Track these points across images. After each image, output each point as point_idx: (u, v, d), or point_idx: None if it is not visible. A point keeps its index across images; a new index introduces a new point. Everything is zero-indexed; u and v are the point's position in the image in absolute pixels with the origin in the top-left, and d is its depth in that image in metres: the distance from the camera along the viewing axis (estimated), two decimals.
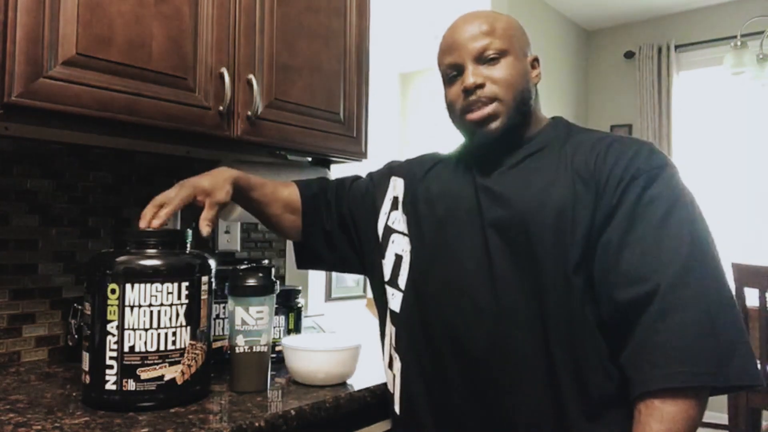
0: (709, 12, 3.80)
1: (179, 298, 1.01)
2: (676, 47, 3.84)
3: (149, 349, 0.99)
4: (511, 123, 1.02)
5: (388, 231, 1.14)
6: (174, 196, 1.03)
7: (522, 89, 1.03)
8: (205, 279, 1.06)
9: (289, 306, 1.39)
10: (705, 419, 0.89)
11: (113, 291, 0.98)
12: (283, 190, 1.21)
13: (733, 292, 0.92)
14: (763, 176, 3.63)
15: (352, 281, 4.78)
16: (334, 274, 4.60)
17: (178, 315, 1.01)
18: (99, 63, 1.09)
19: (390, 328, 1.11)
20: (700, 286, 0.87)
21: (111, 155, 1.47)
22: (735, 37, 3.28)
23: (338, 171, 1.55)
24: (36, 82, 1.01)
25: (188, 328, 1.02)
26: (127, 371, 0.98)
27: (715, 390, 0.88)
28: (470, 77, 1.01)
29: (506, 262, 0.97)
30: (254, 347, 1.12)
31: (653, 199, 0.91)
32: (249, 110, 1.32)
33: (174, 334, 1.01)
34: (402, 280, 1.09)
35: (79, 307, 1.32)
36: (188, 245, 1.08)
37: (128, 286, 0.98)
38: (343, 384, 1.19)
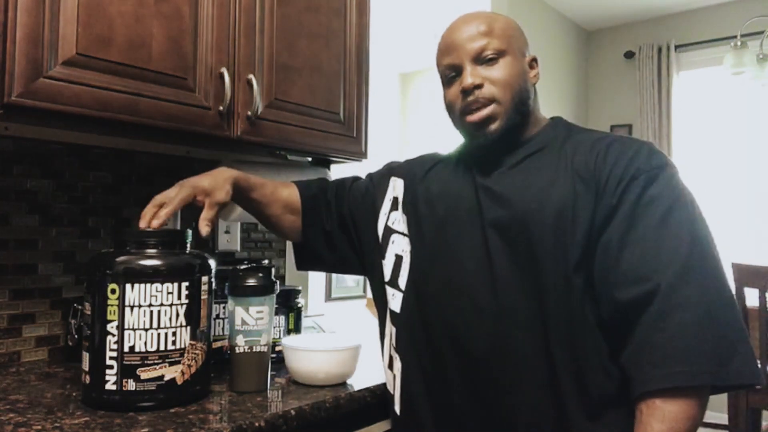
0: (709, 12, 3.80)
1: (179, 298, 1.01)
2: (676, 47, 3.84)
3: (149, 349, 0.99)
4: (510, 124, 1.03)
5: (388, 231, 1.14)
6: (174, 196, 1.03)
7: (520, 89, 1.03)
8: (205, 279, 1.06)
9: (289, 306, 1.39)
10: (705, 419, 0.89)
11: (113, 291, 0.98)
12: (282, 190, 1.21)
13: (733, 292, 0.92)
14: (763, 176, 3.63)
15: (352, 281, 4.78)
16: (334, 274, 4.60)
17: (178, 315, 1.01)
18: (99, 63, 1.09)
19: (390, 329, 1.11)
20: (700, 285, 0.87)
21: (111, 155, 1.47)
22: (735, 37, 3.28)
23: (338, 171, 1.55)
24: (36, 82, 1.01)
25: (188, 328, 1.02)
26: (127, 371, 0.98)
27: (715, 389, 0.88)
28: (468, 78, 1.01)
29: (506, 262, 0.97)
30: (254, 347, 1.12)
31: (653, 199, 0.91)
32: (249, 110, 1.32)
33: (174, 334, 1.01)
34: (402, 281, 1.09)
35: (79, 307, 1.32)
36: (188, 245, 1.08)
37: (128, 286, 0.98)
38: (343, 384, 1.19)
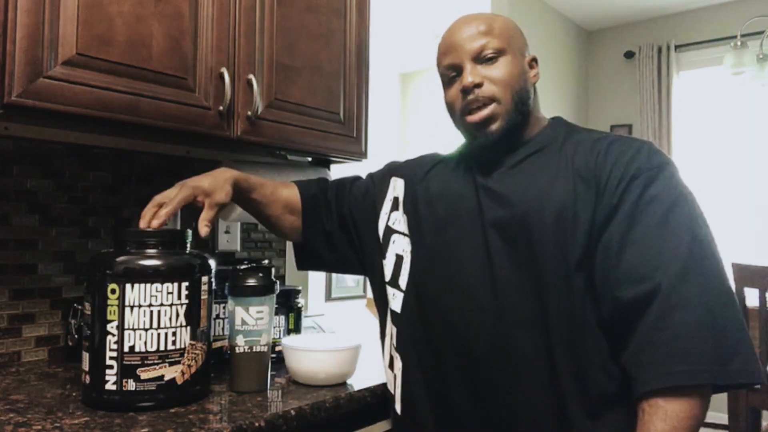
0: (709, 12, 3.80)
1: (179, 298, 1.01)
2: (676, 47, 3.84)
3: (149, 349, 0.99)
4: (511, 124, 1.03)
5: (389, 231, 1.14)
6: (174, 196, 1.03)
7: (520, 88, 1.03)
8: (205, 279, 1.06)
9: (289, 306, 1.39)
10: (705, 419, 0.89)
11: (113, 291, 0.98)
12: (282, 190, 1.21)
13: (734, 291, 0.92)
14: (763, 176, 3.63)
15: (352, 281, 4.78)
16: (334, 274, 4.60)
17: (178, 315, 1.01)
18: (99, 63, 1.09)
19: (391, 328, 1.11)
20: (701, 284, 0.87)
21: (111, 155, 1.47)
22: (735, 37, 3.28)
23: (338, 171, 1.55)
24: (36, 82, 1.01)
25: (188, 328, 1.02)
26: (127, 371, 0.98)
27: (717, 388, 0.88)
28: (468, 77, 1.01)
29: (507, 261, 0.97)
30: (254, 347, 1.12)
31: (654, 198, 0.91)
32: (249, 110, 1.32)
33: (174, 334, 1.01)
34: (403, 281, 1.09)
35: (79, 307, 1.32)
36: (188, 245, 1.08)
37: (128, 286, 0.98)
38: (343, 384, 1.19)
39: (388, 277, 1.12)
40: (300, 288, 1.45)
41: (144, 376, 0.98)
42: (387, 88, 5.00)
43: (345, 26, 1.56)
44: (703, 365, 0.84)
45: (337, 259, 1.23)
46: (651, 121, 3.85)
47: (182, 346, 1.02)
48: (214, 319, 1.28)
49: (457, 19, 1.08)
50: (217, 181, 1.07)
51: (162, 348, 0.99)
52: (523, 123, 1.05)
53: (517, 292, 0.96)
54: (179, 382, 1.01)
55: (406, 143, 5.07)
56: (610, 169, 0.95)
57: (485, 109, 1.02)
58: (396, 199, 1.16)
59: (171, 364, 1.00)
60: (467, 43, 1.03)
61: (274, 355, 1.26)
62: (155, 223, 1.01)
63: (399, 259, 1.11)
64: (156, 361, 0.99)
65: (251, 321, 1.11)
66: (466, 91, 1.02)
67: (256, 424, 0.96)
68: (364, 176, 1.27)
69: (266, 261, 1.64)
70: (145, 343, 0.98)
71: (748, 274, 2.47)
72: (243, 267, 1.18)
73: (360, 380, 1.21)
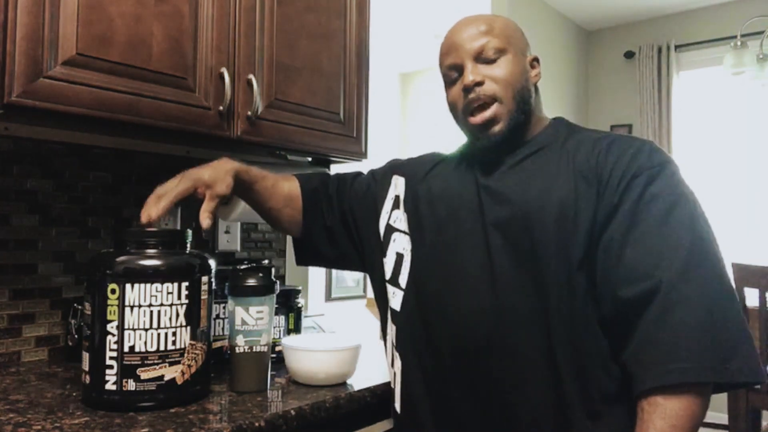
0: (709, 12, 3.80)
1: (179, 298, 1.01)
2: (676, 47, 3.84)
3: (149, 349, 0.99)
4: (513, 124, 1.03)
5: (390, 230, 1.14)
6: (174, 187, 1.02)
7: (521, 87, 1.03)
8: (205, 279, 1.06)
9: (289, 306, 1.39)
10: (705, 419, 0.89)
11: (113, 291, 0.98)
12: (284, 183, 1.20)
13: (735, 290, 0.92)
14: (763, 176, 3.63)
15: (352, 281, 4.78)
16: (334, 273, 4.60)
17: (178, 315, 1.01)
18: (99, 63, 1.09)
19: (391, 327, 1.11)
20: (701, 282, 0.87)
21: (111, 155, 1.47)
22: (735, 37, 3.28)
23: (338, 171, 1.54)
24: (36, 82, 1.01)
25: (188, 328, 1.02)
26: (127, 371, 0.98)
27: (718, 387, 0.88)
28: (469, 75, 1.02)
29: (507, 261, 0.97)
30: (254, 347, 1.12)
31: (655, 197, 0.92)
32: (249, 110, 1.32)
33: (174, 334, 1.01)
34: (403, 279, 1.09)
35: (79, 307, 1.32)
36: (188, 245, 1.08)
37: (128, 286, 0.98)
38: (343, 384, 1.19)
39: (388, 275, 1.12)
40: (300, 288, 1.45)
41: (144, 376, 0.98)
42: (387, 88, 5.00)
43: (345, 26, 1.56)
44: (703, 363, 0.84)
45: (338, 255, 1.23)
46: (651, 121, 3.85)
47: (182, 346, 1.02)
48: (214, 319, 1.28)
49: (458, 20, 1.09)
50: (218, 173, 1.06)
51: (162, 348, 0.99)
52: (525, 122, 1.05)
53: (518, 291, 0.96)
54: (179, 382, 1.01)
55: (406, 143, 5.07)
56: (611, 167, 0.95)
57: (488, 111, 1.02)
58: (397, 198, 1.16)
59: (171, 364, 1.00)
60: (468, 43, 1.03)
61: (274, 355, 1.26)
62: (154, 213, 0.99)
63: (399, 257, 1.11)
64: (156, 361, 0.99)
65: (251, 321, 1.11)
66: (467, 89, 1.02)
67: (256, 424, 0.96)
68: (365, 173, 1.27)
69: (266, 261, 1.64)
70: (145, 343, 0.98)
71: (748, 274, 2.47)
72: (243, 267, 1.18)
73: (360, 380, 1.21)
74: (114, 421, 0.93)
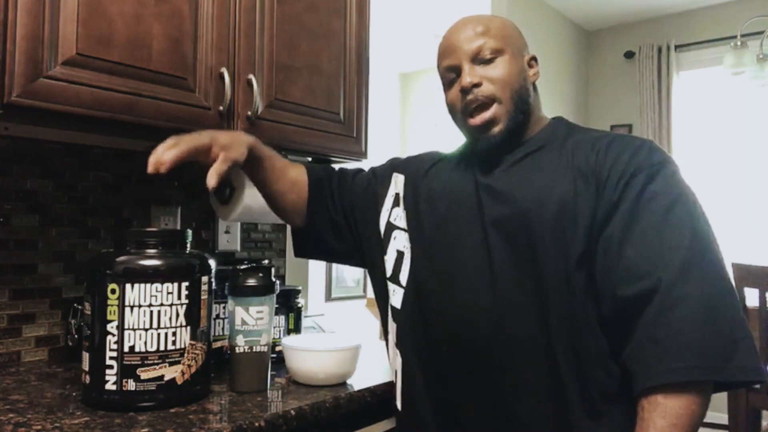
0: (709, 12, 3.80)
1: (179, 298, 1.01)
2: (676, 47, 3.84)
3: (149, 349, 0.99)
4: (513, 124, 1.03)
5: (390, 227, 1.14)
6: (190, 138, 0.99)
7: (519, 87, 1.03)
8: (205, 279, 1.06)
9: (289, 306, 1.39)
10: (705, 419, 0.89)
11: (113, 291, 0.98)
12: (291, 169, 1.19)
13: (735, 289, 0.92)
14: (763, 176, 3.63)
15: (352, 281, 4.78)
16: (334, 273, 4.60)
17: (178, 315, 1.01)
18: (99, 63, 1.09)
19: (392, 325, 1.12)
20: (701, 281, 0.87)
21: (111, 155, 1.47)
22: (735, 37, 3.28)
23: None
24: (36, 82, 1.01)
25: (188, 328, 1.02)
26: (127, 371, 0.98)
27: (718, 386, 0.88)
28: (467, 77, 1.02)
29: (507, 259, 0.97)
30: (254, 347, 1.12)
31: (654, 196, 0.92)
32: (249, 110, 1.32)
33: (174, 334, 1.01)
34: (403, 277, 1.09)
35: (79, 307, 1.32)
36: (188, 245, 1.08)
37: (128, 286, 0.98)
38: (343, 384, 1.19)
39: (389, 272, 1.12)
40: (300, 288, 1.45)
41: (144, 376, 0.98)
42: (387, 88, 5.00)
43: (345, 26, 1.56)
44: (703, 362, 0.84)
45: (338, 248, 1.21)
46: (651, 121, 3.85)
47: (182, 346, 1.02)
48: (214, 319, 1.28)
49: (455, 21, 1.09)
50: (235, 139, 1.05)
51: (162, 348, 0.99)
52: (524, 122, 1.05)
53: (517, 289, 0.96)
54: (179, 382, 1.01)
55: (406, 143, 5.07)
56: (611, 166, 0.95)
57: (487, 112, 1.02)
58: (397, 195, 1.16)
59: (171, 364, 1.00)
60: (465, 44, 1.03)
61: (274, 355, 1.26)
62: (167, 157, 0.95)
63: (400, 255, 1.11)
64: (156, 361, 0.99)
65: (251, 321, 1.11)
66: (465, 91, 1.03)
67: (256, 424, 0.96)
68: (366, 170, 1.27)
69: (266, 261, 1.64)
70: (145, 343, 0.98)
71: (748, 274, 2.47)
72: (243, 267, 1.18)
73: (360, 380, 1.21)
74: (114, 421, 0.93)
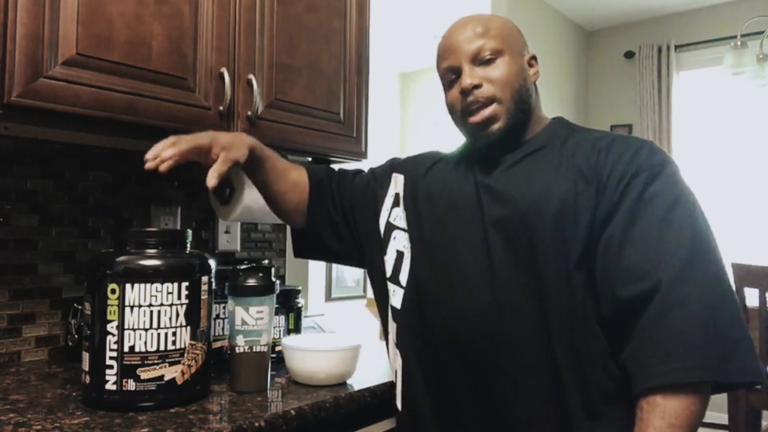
0: (709, 12, 3.80)
1: (179, 298, 1.01)
2: (676, 47, 3.84)
3: (149, 349, 0.99)
4: (512, 123, 1.03)
5: (390, 227, 1.14)
6: (191, 138, 1.00)
7: (519, 87, 1.03)
8: (205, 279, 1.06)
9: (289, 306, 1.39)
10: (705, 419, 0.89)
11: (113, 291, 0.98)
12: (292, 170, 1.19)
13: (734, 291, 0.92)
14: (763, 176, 3.63)
15: (352, 281, 4.78)
16: (334, 274, 4.60)
17: (178, 315, 1.01)
18: (99, 63, 1.09)
19: (392, 325, 1.12)
20: (701, 282, 0.87)
21: (111, 155, 1.47)
22: (735, 37, 3.28)
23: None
24: (36, 82, 1.01)
25: (188, 328, 1.02)
26: (127, 371, 0.98)
27: (717, 387, 0.88)
28: (467, 78, 1.02)
29: (507, 259, 0.97)
30: (254, 347, 1.12)
31: (655, 196, 0.92)
32: (249, 110, 1.32)
33: (174, 334, 1.01)
34: (403, 277, 1.09)
35: (79, 307, 1.32)
36: (188, 245, 1.08)
37: (128, 286, 0.98)
38: (343, 384, 1.19)
39: (388, 273, 1.12)
40: (300, 288, 1.45)
41: (144, 376, 0.98)
42: (387, 88, 5.00)
43: (345, 26, 1.56)
44: (702, 363, 0.84)
45: (338, 248, 1.21)
46: (651, 121, 3.85)
47: (182, 346, 1.02)
48: (214, 319, 1.28)
49: (454, 21, 1.09)
50: (235, 140, 1.05)
51: (162, 348, 0.99)
52: (525, 122, 1.05)
53: (517, 290, 0.96)
54: (179, 382, 1.01)
55: (406, 143, 5.08)
56: (611, 166, 0.95)
57: (487, 110, 1.02)
58: (397, 195, 1.16)
59: (171, 364, 1.00)
60: (464, 45, 1.03)
61: (274, 355, 1.26)
62: (167, 154, 0.95)
63: (400, 255, 1.11)
64: (156, 361, 0.99)
65: (251, 321, 1.11)
66: (465, 92, 1.02)
67: (256, 424, 0.96)
68: (365, 170, 1.27)
69: (266, 261, 1.64)
70: (145, 343, 0.98)
71: (748, 274, 2.47)
72: (243, 267, 1.18)
73: (360, 380, 1.21)
74: (114, 421, 0.93)
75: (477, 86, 1.02)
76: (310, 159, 1.66)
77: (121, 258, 1.00)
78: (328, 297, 4.60)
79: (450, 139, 1.19)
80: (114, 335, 0.98)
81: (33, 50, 1.01)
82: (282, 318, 1.37)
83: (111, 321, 0.98)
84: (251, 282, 1.13)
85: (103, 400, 0.98)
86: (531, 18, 3.70)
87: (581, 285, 0.93)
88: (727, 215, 3.63)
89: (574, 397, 0.92)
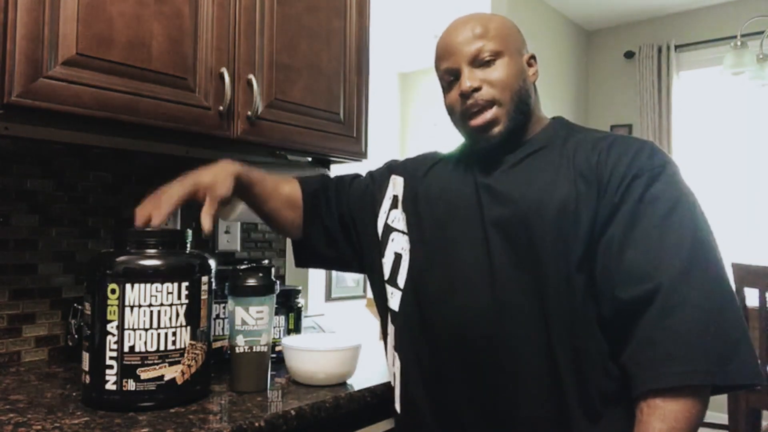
0: (709, 12, 3.80)
1: (179, 298, 1.01)
2: (676, 47, 3.84)
3: (149, 349, 0.99)
4: (513, 125, 1.03)
5: (388, 230, 1.14)
6: (174, 192, 1.02)
7: (519, 88, 1.03)
8: (205, 279, 1.06)
9: (289, 306, 1.39)
10: (705, 419, 0.89)
11: (113, 291, 0.98)
12: (284, 186, 1.20)
13: (734, 292, 0.92)
14: (763, 176, 3.63)
15: (352, 281, 4.78)
16: (334, 274, 4.60)
17: (178, 315, 1.01)
18: (99, 63, 1.09)
19: (390, 328, 1.11)
20: (701, 284, 0.87)
21: (111, 155, 1.47)
22: (735, 37, 3.28)
23: (338, 171, 1.54)
24: (36, 82, 1.01)
25: (188, 328, 1.02)
26: (127, 371, 0.98)
27: (717, 388, 0.88)
28: (466, 81, 1.01)
29: (507, 260, 0.97)
30: (254, 347, 1.12)
31: (655, 198, 0.92)
32: (249, 110, 1.32)
33: (174, 334, 1.01)
34: (401, 279, 1.09)
35: (79, 307, 1.32)
36: (188, 245, 1.08)
37: (128, 286, 0.98)
38: (343, 384, 1.19)
39: (386, 275, 1.12)
40: (300, 288, 1.45)
41: (144, 376, 0.98)
42: (387, 88, 5.00)
43: (345, 26, 1.56)
44: (702, 366, 0.84)
45: (337, 257, 1.22)
46: (651, 121, 3.85)
47: (182, 346, 1.02)
48: (214, 319, 1.28)
49: (452, 21, 1.08)
50: (219, 175, 1.06)
51: (162, 348, 0.99)
52: (525, 123, 1.05)
53: (517, 290, 0.96)
54: (179, 382, 1.01)
55: (406, 143, 5.07)
56: (612, 167, 0.95)
57: (487, 113, 1.02)
58: (395, 198, 1.16)
59: (171, 364, 1.00)
60: (463, 46, 1.03)
61: (274, 355, 1.26)
62: (155, 221, 0.99)
63: (398, 257, 1.11)
64: (156, 361, 0.99)
65: (251, 321, 1.11)
66: (464, 95, 1.02)
67: (256, 424, 0.96)
68: (363, 174, 1.27)
69: (266, 261, 1.64)
70: (145, 343, 0.98)
71: (748, 274, 2.47)
72: (243, 267, 1.18)
73: (360, 380, 1.21)
74: (114, 421, 0.93)
75: (477, 89, 1.01)
76: (309, 159, 1.66)
77: (121, 258, 1.00)
78: (328, 297, 4.60)
79: (450, 139, 1.19)
80: (114, 335, 0.98)
81: (33, 50, 1.00)
82: (282, 318, 1.37)
83: (111, 321, 0.98)
84: (251, 282, 1.13)
85: (103, 400, 0.98)
86: (531, 18, 3.70)
87: (581, 286, 0.93)
88: (727, 215, 3.63)
89: (574, 397, 0.92)
